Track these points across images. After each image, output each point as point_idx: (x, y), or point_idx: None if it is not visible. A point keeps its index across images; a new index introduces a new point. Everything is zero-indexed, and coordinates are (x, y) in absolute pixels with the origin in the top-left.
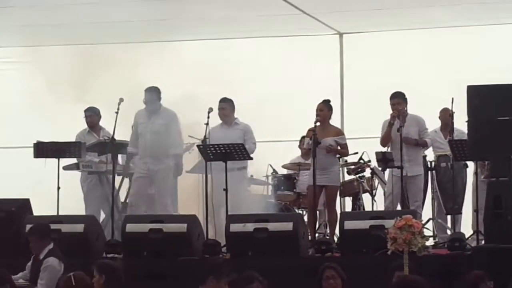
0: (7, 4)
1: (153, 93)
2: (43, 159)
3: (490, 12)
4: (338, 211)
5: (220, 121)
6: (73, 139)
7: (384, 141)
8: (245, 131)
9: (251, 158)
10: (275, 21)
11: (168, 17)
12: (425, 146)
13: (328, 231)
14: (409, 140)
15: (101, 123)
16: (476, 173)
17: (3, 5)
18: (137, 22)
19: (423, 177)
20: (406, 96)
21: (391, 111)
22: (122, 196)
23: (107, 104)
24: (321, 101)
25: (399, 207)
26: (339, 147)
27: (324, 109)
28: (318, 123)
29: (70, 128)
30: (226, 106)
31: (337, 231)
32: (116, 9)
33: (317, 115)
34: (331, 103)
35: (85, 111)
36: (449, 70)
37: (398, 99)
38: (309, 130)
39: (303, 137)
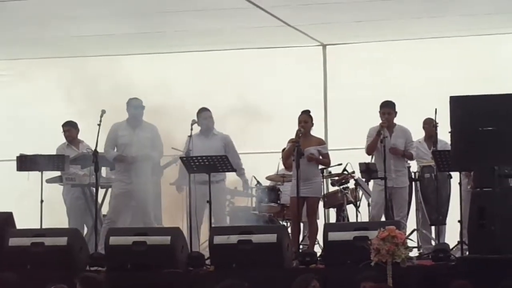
0: None
1: (137, 106)
2: (26, 172)
3: (473, 24)
4: (322, 223)
5: (198, 131)
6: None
7: (370, 150)
8: (226, 143)
9: (235, 170)
10: (258, 33)
11: (153, 30)
12: (410, 158)
13: None
14: (397, 151)
15: (86, 135)
16: (460, 184)
17: None
18: (122, 35)
19: (408, 189)
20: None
21: (377, 121)
22: (105, 209)
23: (92, 116)
24: (302, 112)
25: (383, 218)
26: (321, 157)
27: (308, 120)
28: (300, 134)
29: (53, 141)
30: (212, 115)
31: (321, 242)
32: (101, 23)
33: (301, 127)
34: (311, 113)
35: (63, 125)
36: (432, 81)
37: (389, 109)
38: (291, 141)
39: (283, 150)
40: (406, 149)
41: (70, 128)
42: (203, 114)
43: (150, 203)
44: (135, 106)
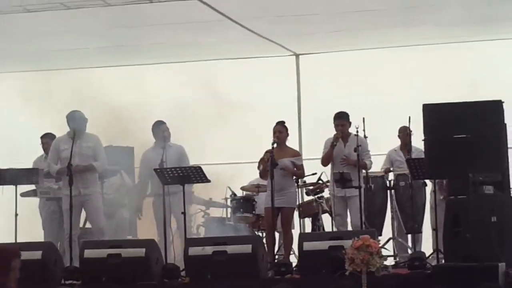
0: None
1: (81, 117)
2: (0, 186)
3: (445, 32)
4: (298, 232)
5: (153, 144)
6: (31, 166)
7: (325, 161)
8: (180, 153)
9: (209, 181)
10: (231, 44)
11: (128, 43)
12: (364, 168)
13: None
14: (349, 161)
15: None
16: (434, 192)
17: None
18: (97, 48)
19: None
20: (350, 116)
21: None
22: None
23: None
24: (276, 122)
25: (349, 227)
26: (295, 168)
27: (283, 130)
28: (275, 145)
29: (28, 154)
30: (168, 128)
31: (296, 252)
32: (75, 37)
33: (276, 137)
34: (286, 124)
35: (41, 137)
36: (405, 89)
37: (343, 120)
38: (266, 152)
39: (261, 160)
40: (360, 158)
41: (48, 141)
42: (162, 127)
43: (100, 211)
44: (78, 118)
